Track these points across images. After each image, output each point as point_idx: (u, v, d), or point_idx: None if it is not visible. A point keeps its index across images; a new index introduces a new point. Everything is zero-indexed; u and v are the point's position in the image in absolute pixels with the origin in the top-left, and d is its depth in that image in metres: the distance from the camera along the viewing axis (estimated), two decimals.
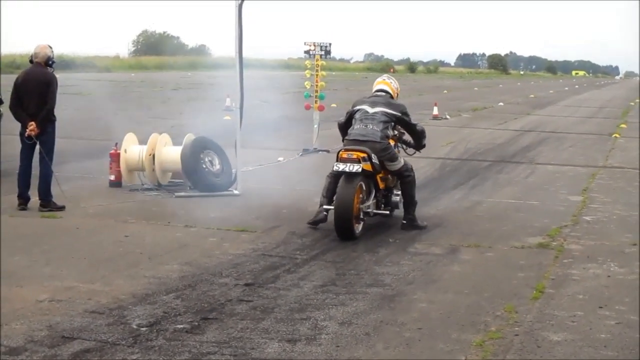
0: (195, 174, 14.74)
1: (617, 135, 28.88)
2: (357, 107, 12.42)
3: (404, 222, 12.27)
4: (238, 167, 15.08)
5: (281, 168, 18.60)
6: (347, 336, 7.52)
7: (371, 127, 12.05)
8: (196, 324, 7.74)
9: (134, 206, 13.57)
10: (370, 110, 12.25)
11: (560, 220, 13.16)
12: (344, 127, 12.59)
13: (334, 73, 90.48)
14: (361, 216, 11.77)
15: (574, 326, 7.97)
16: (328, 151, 21.09)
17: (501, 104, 48.69)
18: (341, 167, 11.58)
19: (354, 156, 11.61)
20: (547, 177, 18.33)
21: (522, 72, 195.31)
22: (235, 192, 14.82)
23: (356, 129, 12.15)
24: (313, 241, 11.37)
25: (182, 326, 7.65)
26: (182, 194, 14.70)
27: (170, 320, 7.80)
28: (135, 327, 7.59)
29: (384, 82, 12.92)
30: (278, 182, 16.24)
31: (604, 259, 10.74)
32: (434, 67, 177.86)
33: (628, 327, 7.93)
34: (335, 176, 11.88)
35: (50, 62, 13.17)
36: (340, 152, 11.79)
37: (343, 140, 12.38)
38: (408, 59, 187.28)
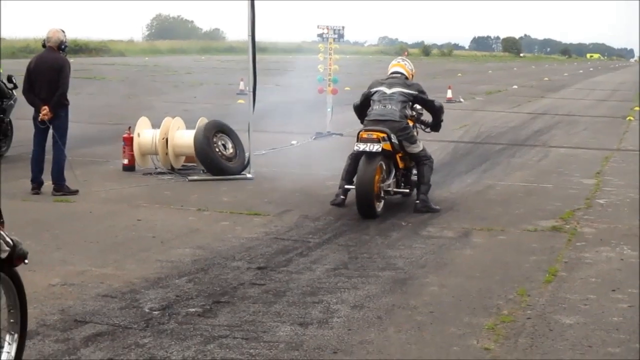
0: (208, 158, 14.74)
1: (631, 118, 28.74)
2: (375, 89, 12.64)
3: (417, 202, 12.34)
4: (251, 150, 15.09)
5: (294, 152, 18.60)
6: (359, 319, 7.51)
7: (390, 107, 12.30)
8: (208, 307, 7.74)
9: (147, 190, 13.58)
10: (388, 91, 12.48)
11: (573, 204, 13.12)
12: (359, 108, 12.86)
13: (347, 57, 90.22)
14: (382, 195, 12.01)
15: (586, 309, 7.95)
16: (341, 134, 21.12)
17: (515, 87, 48.57)
18: (362, 146, 11.79)
19: (374, 136, 11.82)
20: (560, 160, 18.27)
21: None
22: (248, 175, 14.82)
23: (375, 109, 12.39)
24: (325, 224, 11.37)
25: (194, 310, 7.66)
26: (195, 177, 14.71)
27: (182, 304, 7.81)
28: (147, 310, 7.60)
29: (399, 65, 13.17)
30: (291, 166, 16.23)
31: (617, 242, 10.70)
32: (448, 51, 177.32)
33: None
34: (355, 157, 12.12)
35: (63, 47, 13.18)
36: (361, 133, 12.00)
37: (362, 122, 12.62)
38: (422, 42, 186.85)
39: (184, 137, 15.26)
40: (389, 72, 13.06)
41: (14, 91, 16.68)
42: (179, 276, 8.72)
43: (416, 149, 12.41)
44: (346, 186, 12.25)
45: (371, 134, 11.85)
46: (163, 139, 15.14)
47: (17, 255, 5.43)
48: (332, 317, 7.56)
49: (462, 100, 35.42)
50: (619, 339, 7.17)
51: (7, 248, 5.26)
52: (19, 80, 14.54)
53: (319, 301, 8.00)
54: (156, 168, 15.26)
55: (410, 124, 12.58)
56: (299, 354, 6.68)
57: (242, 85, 33.78)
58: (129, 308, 7.66)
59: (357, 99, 13.03)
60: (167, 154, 15.22)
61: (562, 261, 9.71)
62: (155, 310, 7.60)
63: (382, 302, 8.02)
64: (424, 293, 8.38)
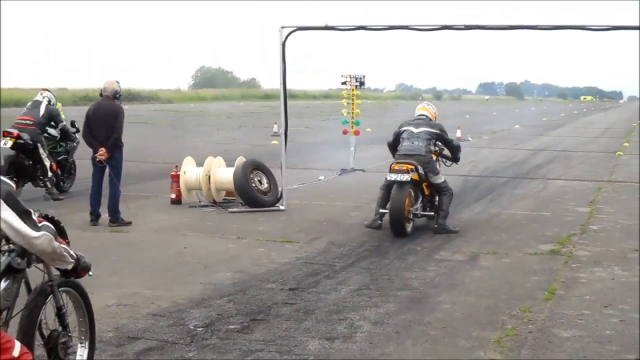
0: (246, 192, 14.76)
1: (621, 153, 28.57)
2: (404, 128, 13.22)
3: (436, 226, 12.79)
4: (284, 185, 15.09)
5: (322, 186, 18.58)
6: (380, 334, 7.48)
7: (417, 143, 12.88)
8: (246, 324, 7.73)
9: (192, 221, 13.60)
10: (415, 130, 13.06)
11: (569, 229, 13.04)
12: (392, 145, 13.39)
13: (368, 101, 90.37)
14: (410, 217, 12.51)
15: (582, 324, 7.88)
16: (364, 170, 21.13)
17: (517, 126, 48.37)
18: (393, 177, 12.47)
19: (404, 168, 12.47)
20: (558, 191, 18.15)
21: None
22: (281, 207, 14.82)
23: (405, 145, 12.96)
24: (350, 250, 11.34)
25: (233, 326, 7.65)
26: (235, 209, 14.73)
27: (223, 322, 7.80)
28: (192, 327, 7.60)
29: (424, 108, 13.77)
30: (319, 199, 16.24)
31: (609, 263, 10.62)
32: (458, 95, 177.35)
33: (631, 325, 7.82)
34: (387, 187, 12.68)
35: (118, 95, 13.32)
36: (392, 165, 12.67)
37: (393, 156, 13.14)
38: (434, 88, 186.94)
39: (224, 174, 15.31)
40: (416, 114, 13.58)
41: (76, 135, 16.82)
42: (220, 297, 8.71)
43: (438, 180, 12.91)
44: (381, 210, 12.74)
45: (402, 166, 12.48)
46: (206, 175, 15.19)
47: (81, 267, 5.55)
48: (355, 332, 7.53)
49: (470, 139, 35.29)
50: (612, 351, 7.10)
51: (72, 260, 5.39)
52: (80, 126, 14.69)
53: (344, 318, 7.97)
54: (200, 201, 15.29)
55: (434, 157, 13.05)
56: None
57: (275, 128, 33.81)
58: (176, 325, 7.66)
59: (390, 137, 13.51)
60: (209, 189, 15.27)
61: (560, 281, 9.64)
62: (199, 328, 7.60)
63: (400, 319, 7.98)
64: (437, 310, 8.34)
